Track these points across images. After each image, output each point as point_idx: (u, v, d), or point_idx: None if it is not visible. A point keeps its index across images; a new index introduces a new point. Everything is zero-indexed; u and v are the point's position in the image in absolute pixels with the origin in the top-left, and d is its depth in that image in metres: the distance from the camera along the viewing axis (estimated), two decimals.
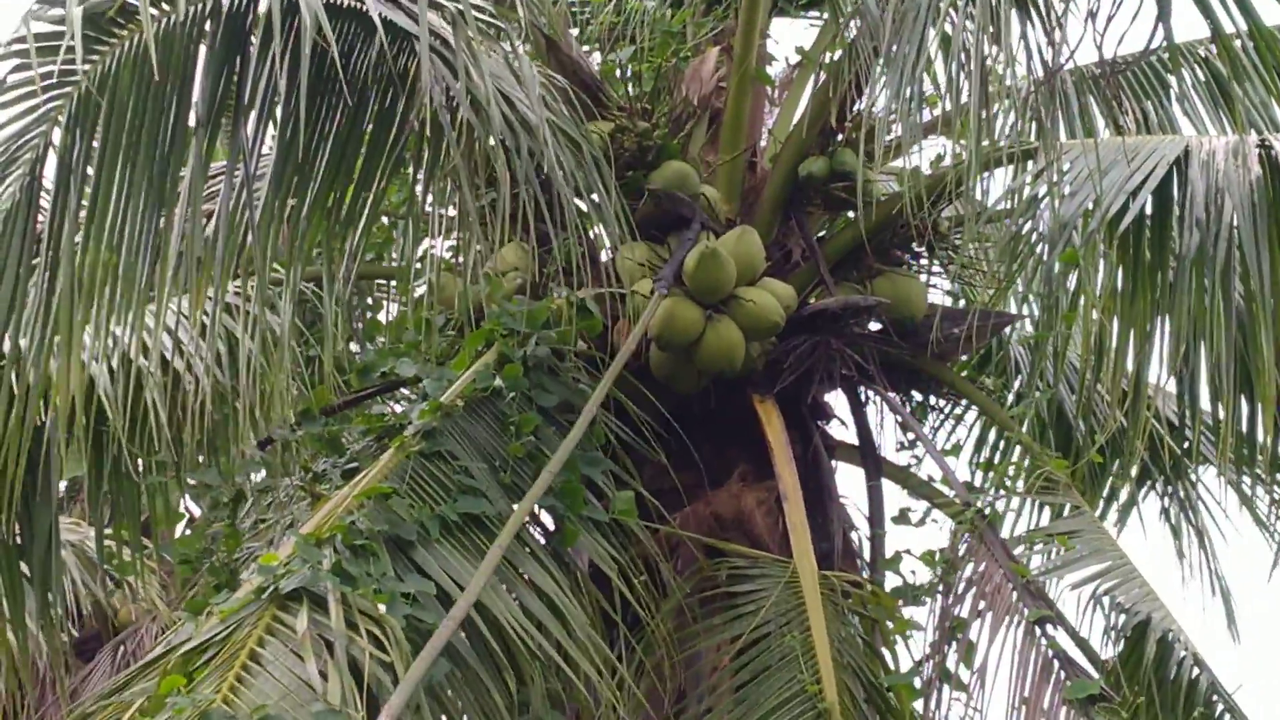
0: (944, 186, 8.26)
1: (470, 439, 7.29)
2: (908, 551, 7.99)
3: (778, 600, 7.66)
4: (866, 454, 8.62)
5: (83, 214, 6.58)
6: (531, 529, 7.28)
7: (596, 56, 9.28)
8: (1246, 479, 9.24)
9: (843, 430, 8.71)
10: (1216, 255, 7.67)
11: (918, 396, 9.01)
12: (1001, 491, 8.17)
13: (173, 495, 8.13)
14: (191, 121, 6.69)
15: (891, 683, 7.58)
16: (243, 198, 6.63)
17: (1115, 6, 7.13)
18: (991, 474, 8.33)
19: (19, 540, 7.85)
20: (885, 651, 7.74)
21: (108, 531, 8.16)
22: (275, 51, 6.45)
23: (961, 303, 9.14)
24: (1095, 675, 7.44)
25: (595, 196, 7.42)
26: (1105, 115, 9.18)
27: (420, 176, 7.01)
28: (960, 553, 7.86)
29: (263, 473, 7.88)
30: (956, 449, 8.84)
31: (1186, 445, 9.27)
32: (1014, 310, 9.29)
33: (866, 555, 8.39)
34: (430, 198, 7.23)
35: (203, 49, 6.66)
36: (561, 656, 6.91)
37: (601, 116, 8.48)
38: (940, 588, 7.80)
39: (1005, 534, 8.07)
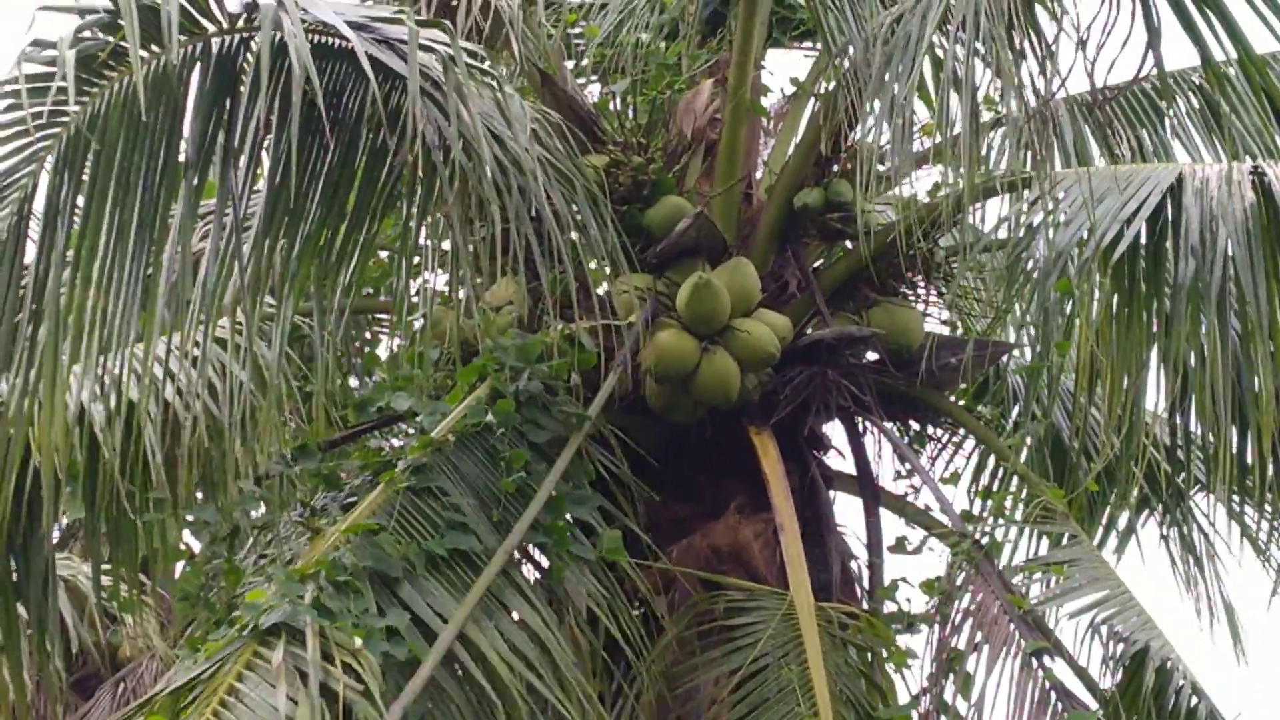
0: (938, 216, 8.25)
1: (461, 474, 7.30)
2: (903, 579, 7.99)
3: (775, 633, 7.66)
4: (864, 484, 8.60)
5: (70, 254, 6.58)
6: (525, 566, 7.28)
7: (593, 88, 9.29)
8: (1247, 508, 9.23)
9: (841, 460, 8.72)
10: (1211, 282, 7.67)
11: (915, 426, 9.00)
12: (999, 521, 8.14)
13: (171, 532, 8.12)
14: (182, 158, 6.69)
15: (889, 716, 7.57)
16: (233, 242, 6.63)
17: (1105, 35, 7.16)
18: (990, 502, 8.29)
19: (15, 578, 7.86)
20: (883, 684, 7.72)
21: (107, 568, 8.16)
22: (264, 94, 6.46)
23: (959, 332, 9.12)
24: (1093, 705, 7.42)
25: (592, 231, 7.42)
26: (1099, 143, 9.16)
27: (414, 212, 7.01)
28: (958, 583, 7.85)
29: (262, 508, 7.87)
30: (955, 478, 8.80)
31: (1183, 475, 9.24)
32: (1011, 339, 9.29)
33: (866, 584, 8.37)
34: (424, 232, 7.23)
35: (193, 90, 6.67)
36: (549, 693, 6.91)
37: (596, 150, 8.48)
38: (937, 619, 7.78)
39: (1003, 563, 8.06)
